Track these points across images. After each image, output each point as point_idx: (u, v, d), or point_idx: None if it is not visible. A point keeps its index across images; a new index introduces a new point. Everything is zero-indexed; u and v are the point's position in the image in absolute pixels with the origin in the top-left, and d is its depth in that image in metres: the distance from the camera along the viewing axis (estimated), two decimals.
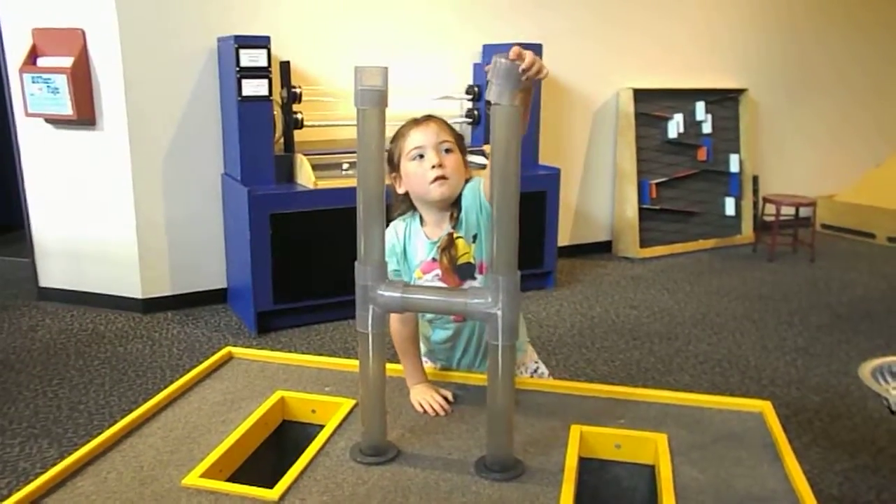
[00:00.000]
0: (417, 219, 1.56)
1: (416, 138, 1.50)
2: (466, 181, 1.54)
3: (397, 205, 1.59)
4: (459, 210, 1.52)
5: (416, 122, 1.53)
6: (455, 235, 1.52)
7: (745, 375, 3.25)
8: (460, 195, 1.53)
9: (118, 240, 3.87)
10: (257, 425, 1.38)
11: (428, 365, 1.65)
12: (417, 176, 1.49)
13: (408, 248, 1.56)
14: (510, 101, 1.10)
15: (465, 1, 4.45)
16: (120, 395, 2.96)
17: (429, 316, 1.59)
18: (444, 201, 1.51)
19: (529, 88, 1.25)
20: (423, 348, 1.68)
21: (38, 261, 4.05)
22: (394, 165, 1.54)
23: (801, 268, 5.09)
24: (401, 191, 1.55)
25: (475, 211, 1.51)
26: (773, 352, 3.54)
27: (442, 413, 1.42)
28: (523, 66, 1.14)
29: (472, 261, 1.52)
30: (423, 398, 1.45)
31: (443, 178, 1.47)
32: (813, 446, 2.62)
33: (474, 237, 1.51)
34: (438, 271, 1.52)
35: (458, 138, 1.56)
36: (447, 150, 1.50)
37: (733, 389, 3.09)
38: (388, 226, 1.54)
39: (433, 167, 1.47)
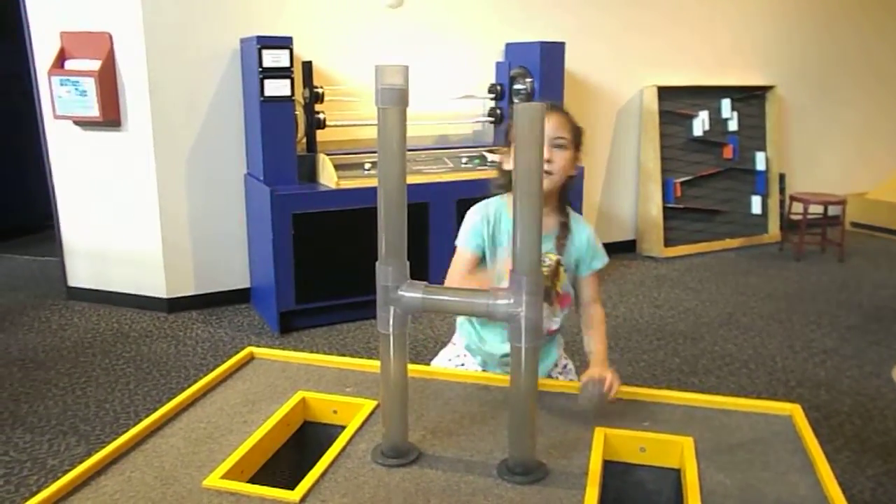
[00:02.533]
0: (506, 203, 1.59)
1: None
2: (571, 177, 1.58)
3: (497, 179, 1.63)
4: (568, 233, 1.58)
5: (549, 110, 1.54)
6: (562, 266, 1.57)
7: (772, 377, 3.20)
8: (567, 221, 1.59)
9: (143, 240, 3.92)
10: (279, 426, 1.38)
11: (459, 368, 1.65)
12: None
13: (497, 228, 1.59)
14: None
15: (487, 0, 4.43)
16: (145, 394, 2.99)
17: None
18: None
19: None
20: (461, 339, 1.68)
21: (66, 260, 4.11)
22: (507, 142, 1.58)
23: (830, 267, 4.99)
24: (507, 167, 1.58)
25: (580, 255, 1.58)
26: (801, 353, 3.47)
27: None
28: (606, 387, 1.39)
29: (557, 289, 1.53)
30: None
31: (547, 172, 1.49)
32: (844, 450, 2.56)
33: (558, 263, 1.57)
34: None
35: (576, 134, 1.58)
36: (559, 146, 1.52)
37: (760, 391, 3.03)
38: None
39: None
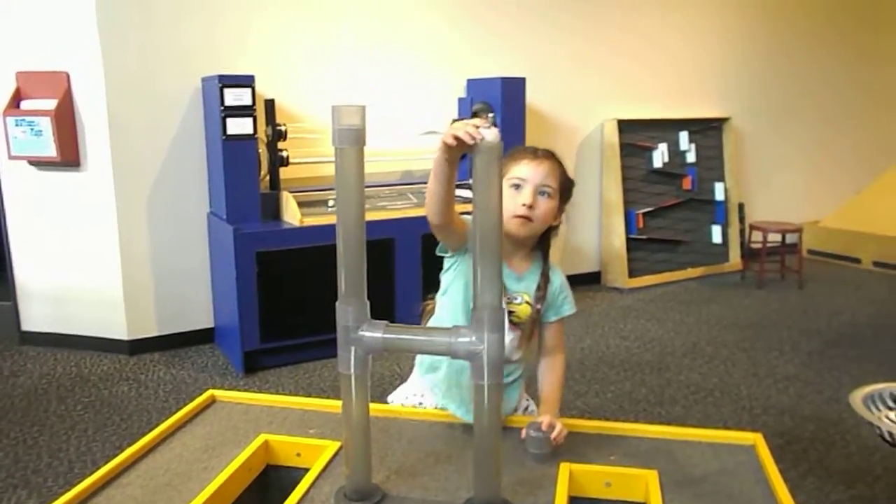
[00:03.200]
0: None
1: (522, 170, 1.49)
2: (553, 227, 1.58)
3: None
4: (548, 284, 1.57)
5: (534, 155, 1.53)
6: (526, 298, 1.54)
7: (737, 405, 3.23)
8: (546, 267, 1.58)
9: (103, 281, 3.83)
10: (240, 471, 1.35)
11: (419, 406, 1.63)
12: (506, 204, 1.44)
13: None
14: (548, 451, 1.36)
15: (448, 37, 4.51)
16: (104, 440, 2.90)
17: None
18: (519, 240, 1.53)
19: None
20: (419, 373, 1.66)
21: (20, 304, 3.99)
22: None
23: (790, 294, 5.10)
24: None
25: (550, 300, 1.57)
26: (765, 380, 3.52)
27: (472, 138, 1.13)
28: (553, 434, 1.37)
29: (518, 322, 1.53)
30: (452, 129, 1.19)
31: (527, 218, 1.48)
32: (808, 476, 2.59)
33: (538, 311, 1.56)
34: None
35: (565, 185, 1.55)
36: (545, 194, 1.50)
37: (726, 420, 3.06)
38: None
39: (523, 205, 1.47)
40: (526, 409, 1.73)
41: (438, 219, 1.40)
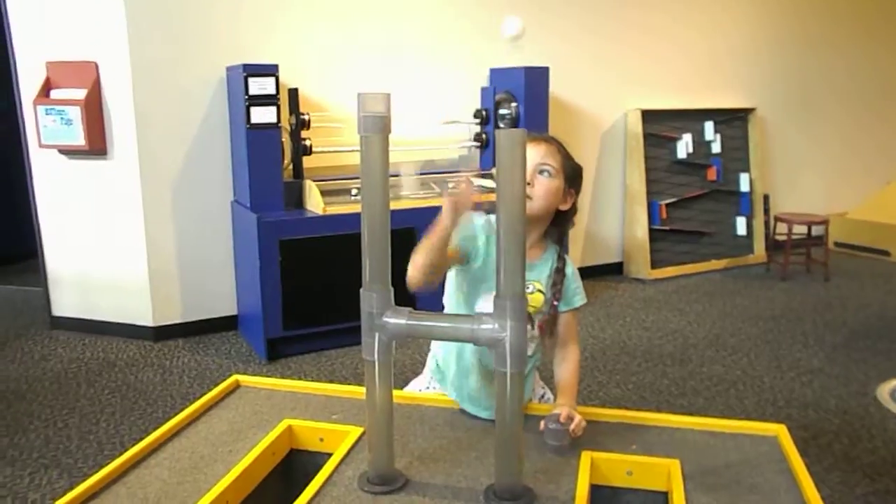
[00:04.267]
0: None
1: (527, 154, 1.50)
2: (562, 212, 1.58)
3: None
4: (563, 277, 1.58)
5: (531, 139, 1.52)
6: (538, 287, 1.55)
7: (760, 398, 3.20)
8: (560, 258, 1.59)
9: (129, 268, 3.89)
10: (264, 455, 1.37)
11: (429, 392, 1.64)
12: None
13: (486, 243, 1.51)
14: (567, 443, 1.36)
15: (471, 26, 4.49)
16: (131, 424, 2.95)
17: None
18: None
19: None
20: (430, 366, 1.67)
21: (50, 290, 4.07)
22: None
23: (815, 287, 5.03)
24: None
25: (564, 296, 1.58)
26: (789, 373, 3.49)
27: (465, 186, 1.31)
28: (572, 426, 1.37)
29: (535, 317, 1.54)
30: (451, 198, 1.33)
31: (528, 197, 1.45)
32: (833, 470, 2.57)
33: (554, 301, 1.56)
34: None
35: (570, 168, 1.56)
36: (544, 172, 1.51)
37: (749, 412, 3.04)
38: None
39: None
40: (542, 396, 1.73)
41: (432, 279, 1.41)
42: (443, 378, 1.63)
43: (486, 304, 1.53)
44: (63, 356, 3.70)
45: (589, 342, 3.90)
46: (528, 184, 1.47)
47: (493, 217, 1.55)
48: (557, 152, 1.54)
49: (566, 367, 1.61)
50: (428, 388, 1.69)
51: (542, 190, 1.50)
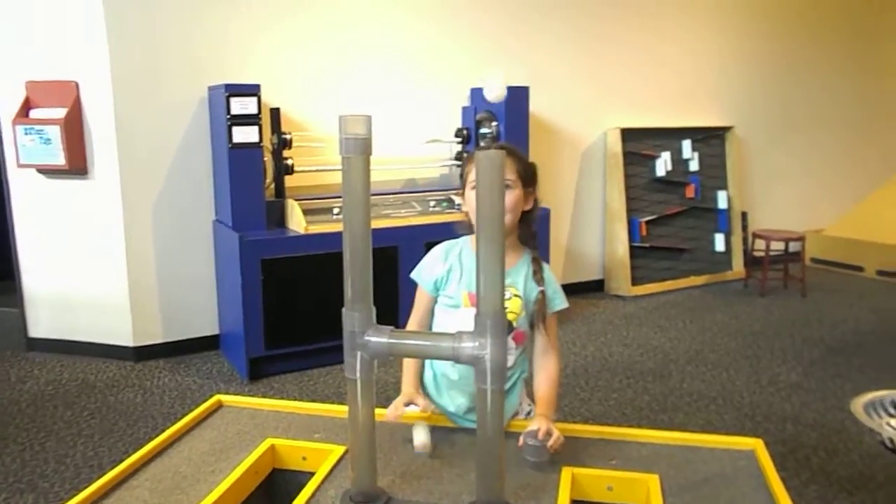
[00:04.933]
0: (469, 241, 1.65)
1: None
2: (528, 212, 1.61)
3: (462, 222, 1.69)
4: (539, 267, 1.63)
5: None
6: (514, 293, 1.59)
7: (739, 412, 3.24)
8: (536, 255, 1.64)
9: (110, 288, 3.87)
10: (247, 474, 1.37)
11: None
12: (472, 205, 1.53)
13: (455, 269, 1.63)
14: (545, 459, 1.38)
15: (452, 45, 4.55)
16: (110, 446, 2.92)
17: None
18: None
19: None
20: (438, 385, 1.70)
21: (27, 311, 4.02)
22: (462, 185, 1.65)
23: (793, 302, 5.10)
24: (464, 208, 1.67)
25: (528, 287, 1.61)
26: (768, 388, 3.53)
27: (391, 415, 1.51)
28: (550, 443, 1.39)
29: (514, 323, 1.55)
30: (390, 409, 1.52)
31: None
32: (811, 484, 2.60)
33: (541, 294, 1.62)
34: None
35: (526, 172, 1.60)
36: (507, 188, 1.54)
37: (728, 427, 3.07)
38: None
39: None
40: (528, 413, 1.75)
41: None
42: (438, 390, 1.65)
43: (453, 321, 1.56)
44: (40, 378, 3.65)
45: (570, 359, 3.92)
46: None
47: (447, 244, 1.67)
48: (513, 163, 1.58)
49: (544, 376, 1.64)
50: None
51: (509, 204, 1.53)
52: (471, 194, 1.57)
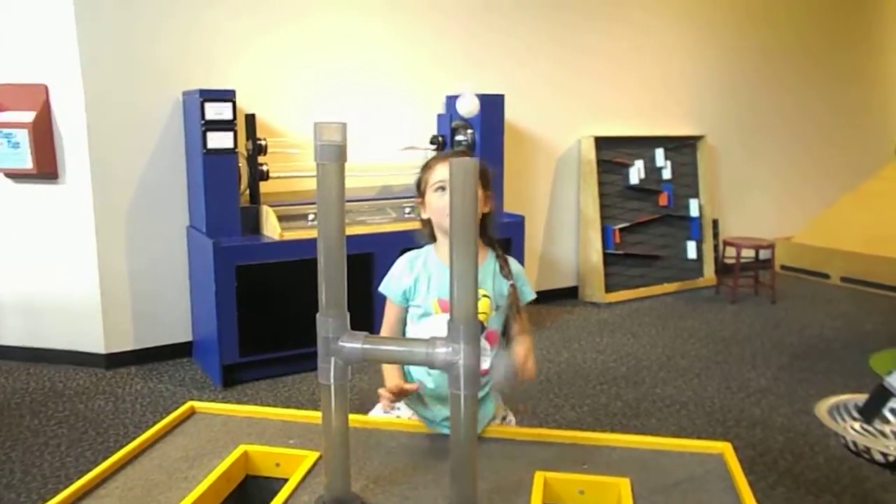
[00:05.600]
0: (432, 249, 1.67)
1: (441, 172, 1.60)
2: (486, 214, 1.64)
3: (422, 230, 1.71)
4: (505, 262, 1.66)
5: (444, 158, 1.66)
6: (482, 293, 1.60)
7: (710, 417, 3.29)
8: (498, 252, 1.66)
9: (80, 294, 3.81)
10: (219, 481, 1.36)
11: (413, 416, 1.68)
12: (437, 208, 1.61)
13: (422, 278, 1.64)
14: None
15: (428, 54, 4.57)
16: (78, 455, 2.87)
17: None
18: None
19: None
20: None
21: None
22: (420, 192, 1.68)
23: (763, 309, 5.20)
24: (424, 216, 1.68)
25: (496, 285, 1.63)
26: (738, 393, 3.59)
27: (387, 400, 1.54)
28: (521, 360, 1.50)
29: (485, 323, 1.57)
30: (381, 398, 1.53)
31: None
32: (778, 486, 2.65)
33: (512, 288, 1.65)
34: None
35: (485, 179, 1.64)
36: None
37: (700, 431, 3.12)
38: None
39: None
40: (504, 418, 1.76)
41: None
42: (414, 399, 1.66)
43: (425, 330, 1.58)
44: (6, 386, 3.58)
45: (545, 365, 3.95)
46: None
47: (411, 254, 1.69)
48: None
49: (522, 346, 1.66)
50: (394, 409, 1.71)
51: None
52: (433, 196, 1.61)
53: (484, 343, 1.60)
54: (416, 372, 1.65)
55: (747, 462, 2.79)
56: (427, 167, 1.67)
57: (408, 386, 1.54)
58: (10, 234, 3.85)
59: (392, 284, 1.67)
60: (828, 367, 3.95)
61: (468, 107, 1.64)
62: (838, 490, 2.63)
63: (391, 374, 1.64)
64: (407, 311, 1.67)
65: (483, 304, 1.60)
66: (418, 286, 1.63)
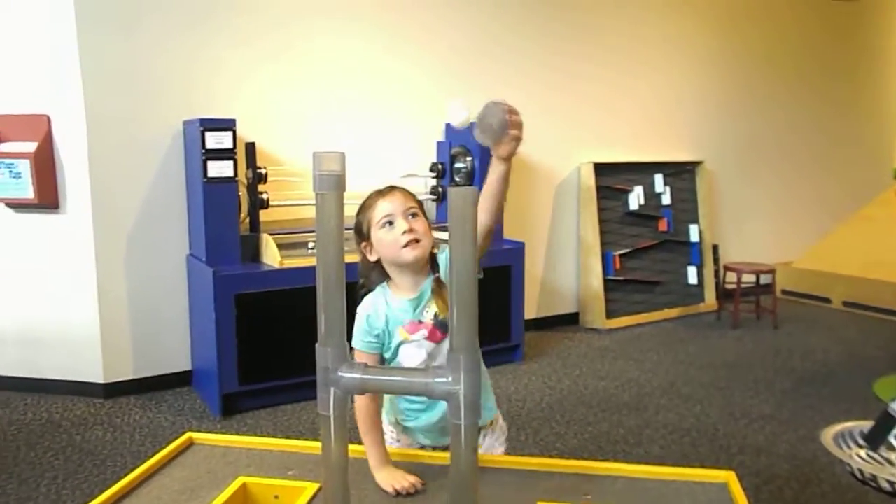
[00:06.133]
0: (387, 287, 1.62)
1: (384, 207, 1.57)
2: (432, 253, 1.62)
3: (369, 275, 1.64)
4: (437, 269, 1.61)
5: (381, 193, 1.61)
6: (433, 298, 1.58)
7: (714, 444, 3.26)
8: (435, 262, 1.62)
9: (79, 324, 3.80)
10: None
11: (393, 446, 1.64)
12: (389, 242, 1.55)
13: (389, 315, 1.59)
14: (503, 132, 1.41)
15: (427, 81, 4.61)
16: (74, 487, 2.84)
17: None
18: (418, 263, 1.57)
19: (510, 160, 1.61)
20: (388, 420, 1.69)
21: None
22: (363, 235, 1.60)
23: (765, 334, 5.17)
24: (373, 258, 1.61)
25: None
26: (741, 420, 3.56)
27: (416, 488, 1.42)
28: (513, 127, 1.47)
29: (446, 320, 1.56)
30: (395, 480, 1.43)
31: (415, 240, 1.55)
32: None
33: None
34: (425, 331, 1.58)
35: (421, 205, 1.64)
36: (414, 215, 1.58)
37: (703, 459, 3.08)
38: (361, 300, 1.62)
39: (404, 232, 1.54)
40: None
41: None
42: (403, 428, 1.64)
43: (405, 359, 1.58)
44: (3, 417, 3.55)
45: (546, 392, 3.92)
46: (410, 230, 1.55)
47: (367, 313, 1.60)
48: (409, 194, 1.62)
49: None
50: (389, 433, 1.71)
51: (423, 229, 1.58)
52: (381, 233, 1.55)
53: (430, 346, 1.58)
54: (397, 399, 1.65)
55: (752, 490, 2.75)
56: (366, 207, 1.60)
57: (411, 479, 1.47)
58: (9, 263, 3.85)
59: (363, 340, 1.60)
60: (832, 393, 3.92)
61: (460, 117, 1.61)
62: None
63: (382, 456, 1.52)
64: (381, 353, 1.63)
65: (438, 305, 1.58)
66: (385, 337, 1.59)
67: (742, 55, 6.14)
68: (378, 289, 1.63)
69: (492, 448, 1.77)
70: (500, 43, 4.88)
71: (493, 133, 1.41)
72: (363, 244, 1.62)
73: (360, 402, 1.55)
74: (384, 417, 1.73)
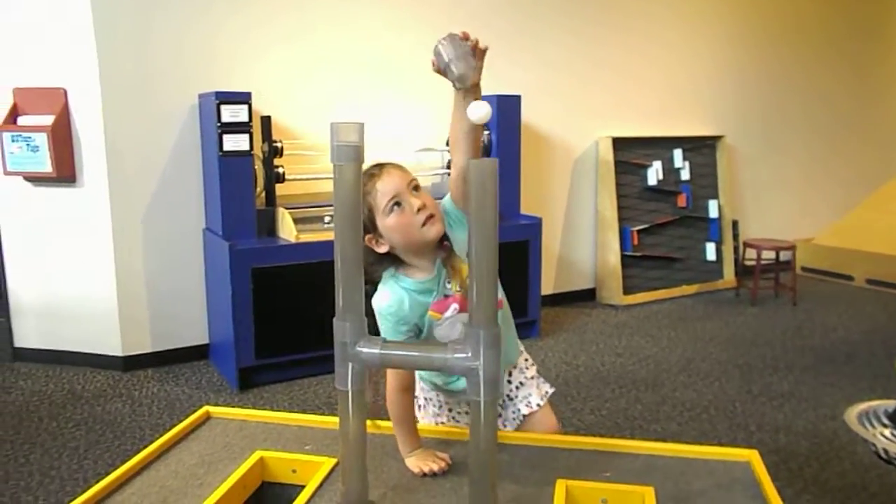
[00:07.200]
0: (399, 275, 1.51)
1: (386, 188, 1.45)
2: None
3: (376, 267, 1.50)
4: (451, 251, 1.52)
5: (374, 176, 1.46)
6: (453, 271, 1.50)
7: (732, 422, 3.23)
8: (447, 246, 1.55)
9: (98, 297, 3.82)
10: (235, 488, 1.34)
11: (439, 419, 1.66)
12: (405, 225, 1.43)
13: (414, 304, 1.49)
14: (471, 69, 1.39)
15: None
16: (96, 458, 2.87)
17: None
18: (435, 242, 1.48)
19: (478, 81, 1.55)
20: (430, 386, 1.68)
21: (13, 320, 3.97)
22: (366, 228, 1.44)
23: (784, 311, 5.11)
24: (383, 250, 1.48)
25: (457, 227, 1.52)
26: (760, 397, 3.52)
27: (443, 468, 1.42)
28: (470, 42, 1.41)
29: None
30: (424, 463, 1.41)
31: (431, 216, 1.45)
32: (804, 494, 2.59)
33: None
34: (455, 304, 1.50)
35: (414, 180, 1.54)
36: (416, 188, 1.48)
37: (721, 437, 3.06)
38: (376, 290, 1.51)
39: (419, 210, 1.44)
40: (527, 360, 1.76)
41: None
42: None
43: (442, 334, 1.53)
44: (25, 389, 3.60)
45: (562, 369, 3.91)
46: (423, 205, 1.45)
47: (392, 308, 1.49)
48: (401, 167, 1.51)
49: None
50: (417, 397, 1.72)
51: (432, 202, 1.48)
52: (391, 217, 1.43)
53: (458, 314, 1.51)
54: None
55: (771, 468, 2.71)
56: (364, 195, 1.42)
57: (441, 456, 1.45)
58: (28, 236, 3.87)
59: (396, 334, 1.49)
60: (852, 371, 3.87)
61: (479, 113, 1.53)
62: (865, 497, 2.56)
63: (413, 434, 1.49)
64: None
65: (461, 276, 1.49)
66: (420, 321, 1.51)
67: (767, 23, 5.98)
68: (389, 280, 1.50)
69: (538, 381, 1.77)
70: (519, 15, 4.79)
71: (469, 66, 1.36)
72: (368, 237, 1.45)
73: (392, 397, 1.48)
74: (426, 384, 1.72)
